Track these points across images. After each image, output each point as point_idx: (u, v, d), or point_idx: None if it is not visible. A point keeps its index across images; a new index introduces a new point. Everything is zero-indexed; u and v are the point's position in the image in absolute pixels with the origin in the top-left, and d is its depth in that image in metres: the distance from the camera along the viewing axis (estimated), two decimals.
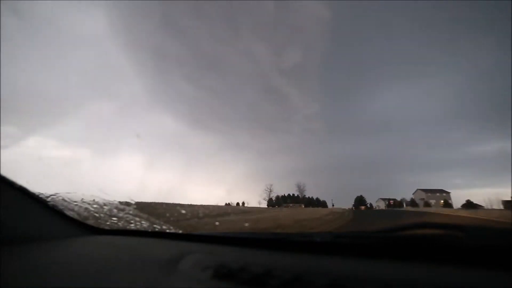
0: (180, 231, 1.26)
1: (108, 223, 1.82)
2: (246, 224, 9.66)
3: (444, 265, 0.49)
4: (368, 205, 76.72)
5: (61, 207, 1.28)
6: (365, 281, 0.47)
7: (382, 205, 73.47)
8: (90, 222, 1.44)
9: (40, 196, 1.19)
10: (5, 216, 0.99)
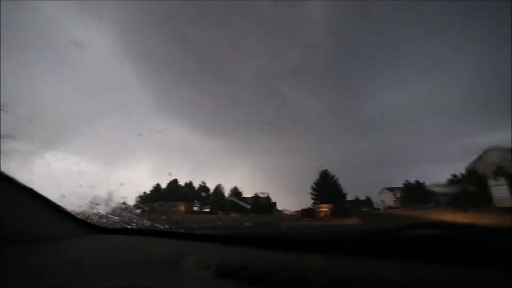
0: (182, 230, 1.27)
1: (110, 222, 1.84)
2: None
3: (444, 265, 0.49)
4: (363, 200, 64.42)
5: (63, 206, 1.30)
6: (366, 280, 0.48)
7: (389, 199, 53.65)
8: (93, 221, 1.46)
9: (43, 195, 1.21)
10: (8, 215, 1.01)
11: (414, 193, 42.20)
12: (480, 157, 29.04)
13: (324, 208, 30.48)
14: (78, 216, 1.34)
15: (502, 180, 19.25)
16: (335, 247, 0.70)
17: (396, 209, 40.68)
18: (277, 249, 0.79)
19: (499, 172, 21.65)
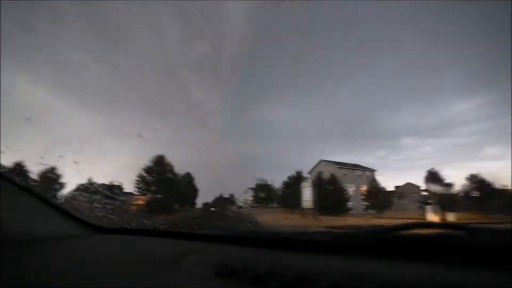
0: (183, 230, 1.27)
1: (110, 222, 1.83)
2: None
3: (444, 265, 0.49)
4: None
5: (64, 206, 1.30)
6: (366, 280, 0.48)
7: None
8: (93, 221, 1.46)
9: (44, 195, 1.21)
10: (8, 215, 1.01)
11: (261, 194, 46.43)
12: (314, 167, 38.33)
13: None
14: (78, 216, 1.34)
15: (307, 183, 22.54)
16: (335, 247, 0.70)
17: (244, 209, 44.23)
18: (277, 249, 0.79)
19: (325, 179, 27.76)
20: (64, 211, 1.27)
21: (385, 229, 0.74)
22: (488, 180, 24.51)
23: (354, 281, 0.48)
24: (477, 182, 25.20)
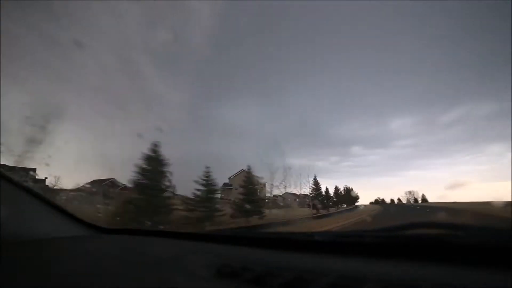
0: (184, 231, 1.28)
1: (110, 222, 1.84)
2: None
3: (444, 265, 0.49)
4: None
5: (67, 207, 1.30)
6: (366, 280, 0.48)
7: None
8: (93, 221, 1.46)
9: (43, 195, 1.21)
10: (9, 216, 1.01)
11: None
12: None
13: None
14: (78, 216, 1.35)
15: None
16: (335, 247, 0.70)
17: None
18: (277, 249, 0.79)
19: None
20: (64, 211, 1.27)
21: (385, 229, 0.74)
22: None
23: (354, 281, 0.48)
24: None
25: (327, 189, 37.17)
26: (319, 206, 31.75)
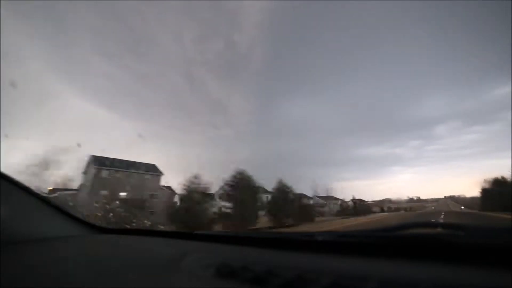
0: (183, 230, 1.27)
1: (110, 222, 1.84)
2: None
3: (444, 265, 0.49)
4: None
5: (64, 206, 1.30)
6: (367, 280, 0.48)
7: None
8: (93, 221, 1.46)
9: (43, 195, 1.21)
10: (8, 216, 1.01)
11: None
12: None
13: None
14: (78, 216, 1.34)
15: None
16: (335, 247, 0.70)
17: None
18: (277, 249, 0.79)
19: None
20: (64, 211, 1.27)
21: (385, 229, 0.74)
22: None
23: (354, 281, 0.48)
24: None
25: None
26: None
